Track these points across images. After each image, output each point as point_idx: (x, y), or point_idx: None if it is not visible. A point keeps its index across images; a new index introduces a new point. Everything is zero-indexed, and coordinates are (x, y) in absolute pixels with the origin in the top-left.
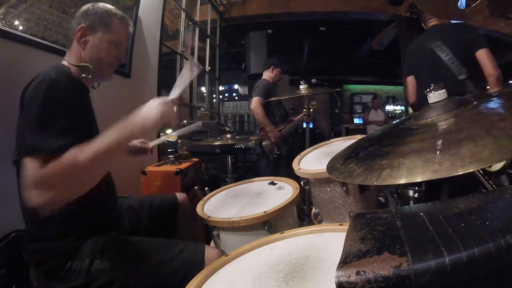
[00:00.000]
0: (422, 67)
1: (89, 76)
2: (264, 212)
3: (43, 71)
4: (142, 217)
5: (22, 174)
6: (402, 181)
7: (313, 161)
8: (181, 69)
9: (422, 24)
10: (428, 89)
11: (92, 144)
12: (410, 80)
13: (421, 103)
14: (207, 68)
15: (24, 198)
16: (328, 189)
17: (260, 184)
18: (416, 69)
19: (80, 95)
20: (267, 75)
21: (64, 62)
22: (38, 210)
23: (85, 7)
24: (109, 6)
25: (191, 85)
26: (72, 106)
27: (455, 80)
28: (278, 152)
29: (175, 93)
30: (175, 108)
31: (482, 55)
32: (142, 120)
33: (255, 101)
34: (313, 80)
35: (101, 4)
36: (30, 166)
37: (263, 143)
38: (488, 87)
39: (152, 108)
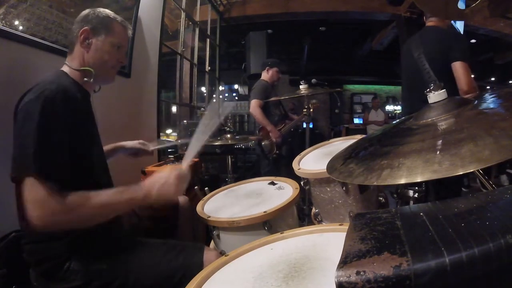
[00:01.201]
0: (405, 72)
1: (91, 80)
2: (264, 212)
3: (40, 85)
4: (143, 219)
5: (22, 191)
6: (402, 181)
7: (313, 161)
8: (181, 69)
9: (425, 20)
10: (428, 89)
11: (105, 193)
12: None
13: (408, 104)
14: (207, 68)
15: (24, 215)
16: (328, 189)
17: (260, 184)
18: (402, 72)
19: (79, 104)
20: (264, 75)
21: (65, 68)
22: (34, 228)
23: (85, 12)
24: (108, 11)
25: (191, 85)
26: (69, 121)
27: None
28: (277, 152)
29: (190, 155)
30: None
31: (456, 68)
32: (158, 193)
33: (253, 104)
34: (313, 80)
35: (101, 9)
36: (32, 188)
37: (263, 143)
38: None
39: (170, 183)
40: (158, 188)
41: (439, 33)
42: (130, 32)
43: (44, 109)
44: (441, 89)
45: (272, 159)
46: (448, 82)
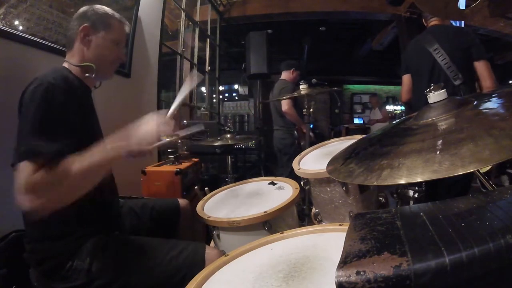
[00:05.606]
0: (420, 69)
1: (92, 76)
2: (264, 212)
3: (41, 75)
4: (143, 220)
5: (16, 177)
6: (402, 181)
7: (313, 161)
8: (181, 69)
9: (424, 22)
10: (428, 89)
11: (85, 155)
12: (406, 78)
13: (417, 103)
14: (207, 68)
15: (16, 201)
16: (328, 189)
17: (260, 184)
18: (413, 69)
19: (80, 97)
20: (286, 75)
21: (65, 64)
22: (29, 213)
23: (83, 9)
24: (106, 8)
25: None
26: (71, 110)
27: (450, 85)
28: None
29: (173, 107)
30: (173, 123)
31: (481, 67)
32: (139, 139)
33: (287, 103)
34: (313, 80)
35: (99, 6)
36: (24, 170)
37: (302, 143)
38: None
39: (150, 127)
40: (138, 130)
41: (453, 29)
42: (127, 29)
43: (46, 95)
44: (441, 89)
45: None
46: (468, 77)
